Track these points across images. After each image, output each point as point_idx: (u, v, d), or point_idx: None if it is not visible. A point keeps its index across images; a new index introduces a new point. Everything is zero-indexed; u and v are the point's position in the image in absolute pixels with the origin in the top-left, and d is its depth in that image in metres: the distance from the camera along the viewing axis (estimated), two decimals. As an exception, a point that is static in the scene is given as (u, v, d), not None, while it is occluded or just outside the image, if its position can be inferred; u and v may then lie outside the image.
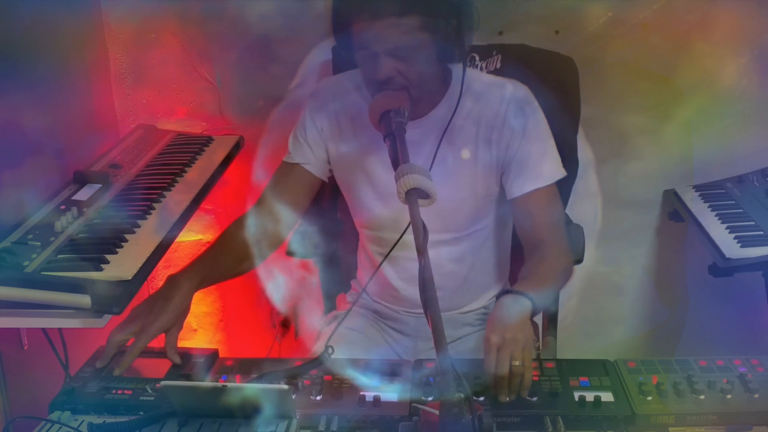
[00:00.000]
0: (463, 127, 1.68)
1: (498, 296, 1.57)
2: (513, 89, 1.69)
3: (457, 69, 1.68)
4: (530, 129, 1.68)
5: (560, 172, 1.71)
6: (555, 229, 1.71)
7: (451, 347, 1.77)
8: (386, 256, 1.59)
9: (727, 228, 2.02)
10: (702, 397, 1.39)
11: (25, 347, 1.76)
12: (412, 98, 1.57)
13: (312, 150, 1.77)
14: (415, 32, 1.51)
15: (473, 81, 1.69)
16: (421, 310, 1.22)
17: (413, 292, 1.77)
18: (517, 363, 1.39)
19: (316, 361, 1.46)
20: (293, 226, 1.83)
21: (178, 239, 1.82)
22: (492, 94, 1.68)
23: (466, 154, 1.69)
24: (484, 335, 1.45)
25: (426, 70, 1.58)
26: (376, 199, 1.75)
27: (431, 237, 1.29)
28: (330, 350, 1.46)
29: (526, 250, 1.72)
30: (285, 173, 1.80)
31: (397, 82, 1.56)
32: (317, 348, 1.63)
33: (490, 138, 1.68)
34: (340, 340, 1.73)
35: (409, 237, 1.30)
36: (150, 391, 1.44)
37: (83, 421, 1.37)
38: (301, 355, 1.59)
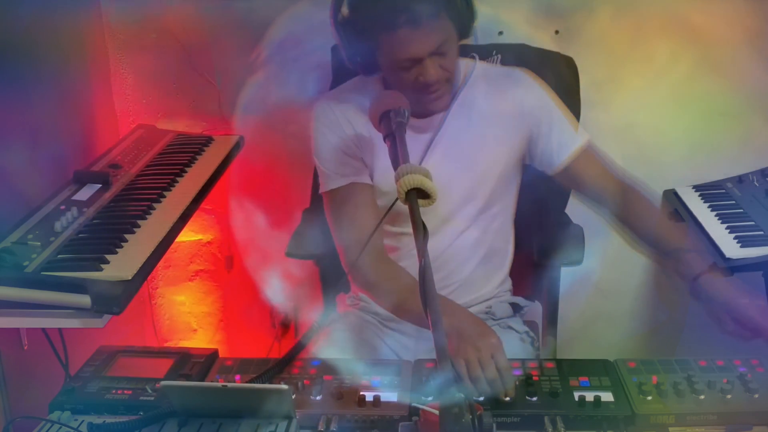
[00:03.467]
0: (470, 113, 1.73)
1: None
2: (517, 77, 1.78)
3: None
4: (547, 107, 1.75)
5: (586, 134, 1.78)
6: (614, 179, 1.77)
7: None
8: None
9: (727, 228, 2.01)
10: (702, 397, 1.39)
11: (25, 347, 1.76)
12: (451, 88, 1.66)
13: (353, 163, 1.75)
14: (447, 25, 1.57)
15: (470, 67, 1.76)
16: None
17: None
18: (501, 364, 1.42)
19: (304, 339, 1.46)
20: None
21: (178, 239, 1.82)
22: (496, 82, 1.75)
23: (473, 138, 1.73)
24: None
25: (455, 61, 1.64)
26: None
27: (447, 218, 1.30)
28: (316, 326, 1.46)
29: (620, 204, 1.74)
30: (345, 196, 1.76)
31: (441, 79, 1.61)
32: (316, 348, 1.64)
33: (508, 125, 1.73)
34: (339, 342, 1.73)
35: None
36: (150, 391, 1.45)
37: (83, 421, 1.38)
38: (301, 355, 1.58)
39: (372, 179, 1.77)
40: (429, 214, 1.72)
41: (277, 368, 1.50)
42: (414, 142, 1.69)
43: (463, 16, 1.61)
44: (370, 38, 1.59)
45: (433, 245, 1.77)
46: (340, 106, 1.75)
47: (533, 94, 1.75)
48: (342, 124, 1.74)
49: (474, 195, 1.77)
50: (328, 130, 1.75)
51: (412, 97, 1.60)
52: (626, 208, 1.74)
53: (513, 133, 1.75)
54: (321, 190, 1.80)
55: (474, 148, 1.74)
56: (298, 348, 1.53)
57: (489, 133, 1.74)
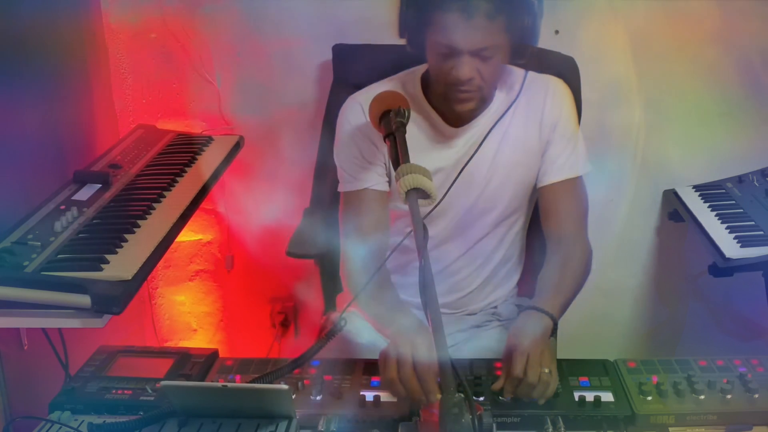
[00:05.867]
0: (512, 121, 1.73)
1: (523, 309, 1.60)
2: (555, 84, 1.77)
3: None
4: (570, 122, 1.75)
5: (588, 166, 1.77)
6: (579, 223, 1.75)
7: (456, 348, 1.80)
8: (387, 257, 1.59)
9: (727, 228, 2.02)
10: (702, 397, 1.39)
11: (25, 347, 1.76)
12: (480, 100, 1.64)
13: (372, 169, 1.74)
14: (500, 33, 1.54)
15: (519, 77, 1.75)
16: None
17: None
18: (546, 371, 1.40)
19: (331, 333, 1.44)
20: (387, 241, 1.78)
21: (178, 239, 1.81)
22: (536, 89, 1.74)
23: (513, 146, 1.73)
24: (509, 341, 1.46)
25: (500, 70, 1.63)
26: None
27: (475, 222, 1.44)
28: (343, 322, 1.45)
29: (551, 245, 1.74)
30: (356, 201, 1.75)
31: (475, 83, 1.58)
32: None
33: (539, 131, 1.73)
34: (339, 342, 1.73)
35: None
36: (150, 391, 1.45)
37: (83, 421, 1.38)
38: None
39: (390, 185, 1.76)
40: (448, 222, 1.72)
41: (288, 369, 1.49)
42: (451, 146, 1.71)
43: (524, 34, 1.58)
44: (425, 12, 1.56)
45: (449, 251, 1.79)
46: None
47: (557, 106, 1.74)
48: (367, 127, 1.69)
49: (495, 203, 1.77)
50: (352, 131, 1.72)
51: (442, 89, 1.61)
52: (556, 248, 1.71)
53: (535, 141, 1.74)
54: (339, 188, 1.79)
55: (502, 156, 1.73)
56: (315, 349, 1.51)
57: (523, 140, 1.74)
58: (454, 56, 1.55)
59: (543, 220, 1.77)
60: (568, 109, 1.76)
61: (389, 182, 1.75)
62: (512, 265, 1.90)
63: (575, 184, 1.74)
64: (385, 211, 1.76)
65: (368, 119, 1.58)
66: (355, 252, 1.69)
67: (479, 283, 1.85)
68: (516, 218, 1.82)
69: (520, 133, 1.73)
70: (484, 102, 1.69)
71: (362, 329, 1.84)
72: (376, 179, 1.74)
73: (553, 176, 1.74)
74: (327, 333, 1.42)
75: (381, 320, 1.60)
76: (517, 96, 1.72)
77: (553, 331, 1.56)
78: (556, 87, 1.77)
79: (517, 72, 1.75)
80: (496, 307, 1.88)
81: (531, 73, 1.77)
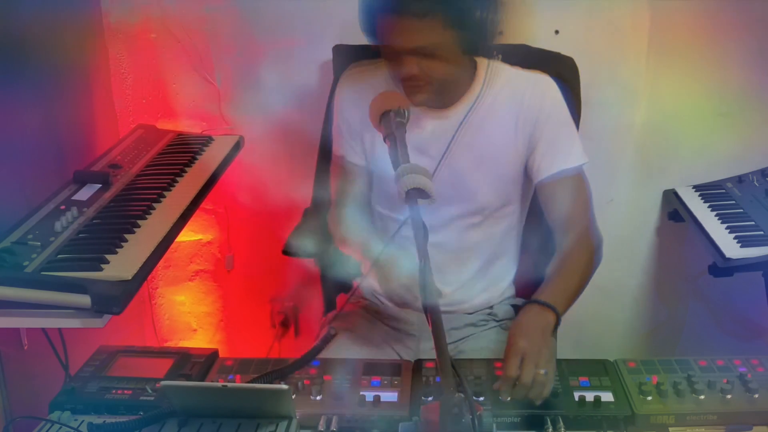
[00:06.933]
0: (488, 115, 1.72)
1: (524, 303, 1.58)
2: (536, 78, 1.75)
3: (483, 60, 1.74)
4: (554, 114, 1.73)
5: (584, 157, 1.75)
6: (583, 215, 1.73)
7: (454, 347, 1.80)
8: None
9: (727, 228, 2.02)
10: (702, 397, 1.39)
11: (25, 347, 1.76)
12: (434, 93, 1.63)
13: (350, 142, 1.79)
14: (437, 31, 1.53)
15: (499, 72, 1.74)
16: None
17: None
18: (542, 372, 1.39)
19: (321, 345, 1.46)
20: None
21: (178, 239, 1.81)
22: (517, 84, 1.73)
23: (489, 139, 1.72)
24: (509, 339, 1.44)
25: (450, 67, 1.61)
26: None
27: (457, 215, 1.42)
28: (333, 331, 1.46)
29: (557, 238, 1.73)
30: (337, 167, 1.85)
31: (420, 80, 1.59)
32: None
33: (516, 125, 1.72)
34: (338, 342, 1.73)
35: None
36: (150, 391, 1.45)
37: (83, 421, 1.38)
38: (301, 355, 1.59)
39: (365, 161, 1.80)
40: (431, 214, 1.73)
41: (290, 369, 1.49)
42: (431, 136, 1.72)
43: (470, 30, 1.56)
44: (369, 15, 1.59)
45: (431, 243, 1.78)
46: (360, 84, 1.76)
47: (547, 102, 1.73)
48: (351, 103, 1.76)
49: (474, 196, 1.76)
50: (340, 102, 1.79)
51: (398, 83, 1.64)
52: (561, 242, 1.71)
53: (520, 136, 1.73)
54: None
55: (482, 150, 1.73)
56: (315, 351, 1.52)
57: (499, 134, 1.73)
58: (397, 54, 1.57)
59: (546, 216, 1.77)
60: (552, 103, 1.73)
61: (366, 159, 1.81)
62: (506, 263, 1.88)
63: (572, 176, 1.73)
64: (361, 178, 1.82)
65: (353, 95, 1.68)
66: (339, 203, 1.83)
67: (468, 278, 1.83)
68: (505, 214, 1.80)
69: (495, 127, 1.72)
70: (442, 95, 1.68)
71: (362, 327, 1.85)
72: (352, 154, 1.80)
73: (545, 171, 1.72)
74: (320, 341, 1.45)
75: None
76: (481, 90, 1.71)
77: (555, 327, 1.55)
78: (537, 83, 1.74)
79: (500, 67, 1.75)
80: (492, 307, 1.88)
81: (514, 69, 1.77)
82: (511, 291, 1.93)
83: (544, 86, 1.75)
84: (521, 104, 1.72)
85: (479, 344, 1.79)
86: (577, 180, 1.74)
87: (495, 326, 1.85)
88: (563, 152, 1.72)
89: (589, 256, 1.69)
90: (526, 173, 1.77)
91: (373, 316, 1.90)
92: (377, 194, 1.85)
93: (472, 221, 1.78)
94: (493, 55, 1.99)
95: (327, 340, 1.50)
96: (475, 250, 1.82)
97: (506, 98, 1.72)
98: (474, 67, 1.73)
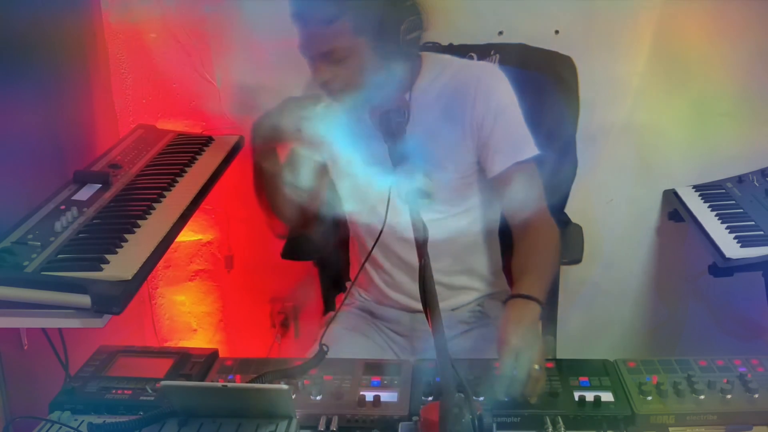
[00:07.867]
0: (432, 108, 1.69)
1: (506, 299, 1.58)
2: (481, 70, 1.73)
3: (429, 57, 1.72)
4: (501, 108, 1.69)
5: (535, 150, 1.71)
6: (539, 206, 1.72)
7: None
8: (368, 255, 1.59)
9: (727, 228, 2.02)
10: (702, 397, 1.39)
11: (25, 347, 1.76)
12: (352, 93, 1.60)
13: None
14: (347, 36, 1.53)
15: (444, 65, 1.72)
16: (414, 308, 1.23)
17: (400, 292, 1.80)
18: (537, 367, 1.39)
19: (313, 361, 1.47)
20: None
21: (178, 239, 1.82)
22: (461, 77, 1.70)
23: (433, 134, 1.69)
24: (499, 337, 1.44)
25: (367, 70, 1.58)
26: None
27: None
28: (324, 348, 1.47)
29: (515, 231, 1.73)
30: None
31: (336, 85, 1.59)
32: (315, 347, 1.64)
33: (461, 118, 1.69)
34: (338, 342, 1.73)
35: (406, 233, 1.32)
36: (150, 391, 1.45)
37: (83, 421, 1.38)
38: (301, 355, 1.59)
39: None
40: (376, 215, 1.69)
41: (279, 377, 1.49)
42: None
43: (382, 35, 1.54)
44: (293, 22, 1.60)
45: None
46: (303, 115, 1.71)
47: (495, 95, 1.69)
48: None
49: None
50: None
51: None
52: (522, 236, 1.71)
53: (458, 131, 1.70)
54: None
55: (428, 145, 1.67)
56: (306, 368, 1.51)
57: (441, 128, 1.70)
58: (312, 60, 1.60)
59: (503, 209, 1.76)
60: (500, 96, 1.70)
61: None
62: (481, 259, 1.85)
63: (524, 169, 1.70)
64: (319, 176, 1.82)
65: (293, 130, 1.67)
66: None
67: (442, 273, 1.78)
68: (464, 210, 1.77)
69: (439, 121, 1.69)
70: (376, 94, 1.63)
71: (360, 327, 1.85)
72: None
73: (498, 165, 1.69)
74: (312, 359, 1.45)
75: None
76: (412, 84, 1.68)
77: (552, 332, 1.56)
78: (482, 77, 1.70)
79: (445, 60, 1.73)
80: (482, 305, 1.87)
81: (463, 61, 1.76)
82: (501, 286, 1.90)
83: (491, 82, 1.71)
84: (466, 98, 1.68)
85: (472, 343, 1.77)
86: (528, 171, 1.71)
87: (488, 324, 1.84)
88: (513, 145, 1.70)
89: (555, 233, 1.69)
90: (480, 167, 1.74)
91: (369, 316, 1.90)
92: (347, 195, 1.82)
93: (431, 217, 1.76)
94: (490, 54, 1.98)
95: (320, 358, 1.51)
96: (440, 246, 1.74)
97: (451, 92, 1.69)
98: (419, 62, 1.71)
